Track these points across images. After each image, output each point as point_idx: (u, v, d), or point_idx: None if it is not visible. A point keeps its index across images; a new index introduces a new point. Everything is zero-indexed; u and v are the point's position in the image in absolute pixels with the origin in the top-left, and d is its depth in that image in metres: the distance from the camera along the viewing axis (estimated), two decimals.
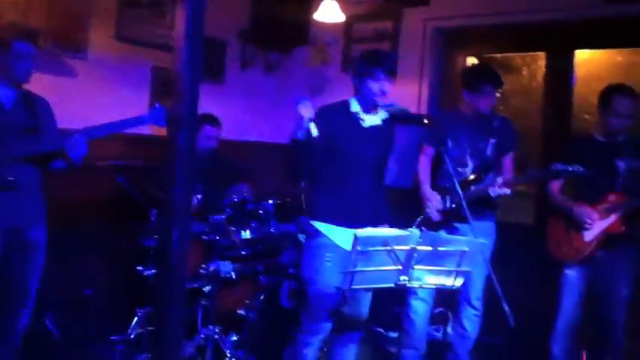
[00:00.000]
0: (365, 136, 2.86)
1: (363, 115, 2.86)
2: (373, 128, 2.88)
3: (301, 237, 2.90)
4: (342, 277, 2.30)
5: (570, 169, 2.91)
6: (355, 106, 2.86)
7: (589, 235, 3.08)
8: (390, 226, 2.82)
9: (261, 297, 3.32)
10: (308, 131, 2.60)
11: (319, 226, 2.77)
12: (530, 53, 5.11)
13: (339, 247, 2.76)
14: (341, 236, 2.75)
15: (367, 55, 2.87)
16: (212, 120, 3.82)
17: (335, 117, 2.82)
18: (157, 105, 2.79)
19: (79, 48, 3.95)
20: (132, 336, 3.28)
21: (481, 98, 3.26)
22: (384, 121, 2.91)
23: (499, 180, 3.12)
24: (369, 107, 2.86)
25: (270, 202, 3.62)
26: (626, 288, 3.09)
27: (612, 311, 3.12)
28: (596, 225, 3.05)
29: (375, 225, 2.77)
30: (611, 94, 3.07)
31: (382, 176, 3.03)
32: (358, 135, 2.85)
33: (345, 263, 2.74)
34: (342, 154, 2.79)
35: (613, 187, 3.07)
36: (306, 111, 2.61)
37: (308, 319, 2.82)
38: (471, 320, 3.40)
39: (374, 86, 2.79)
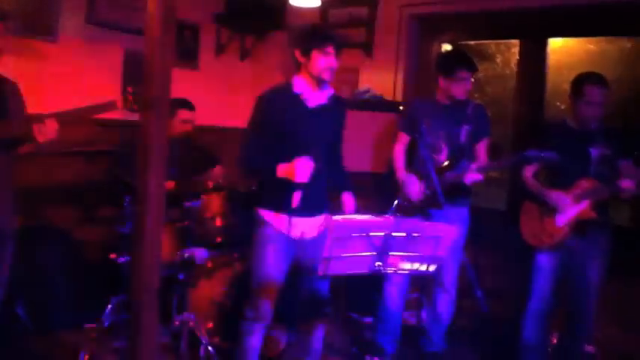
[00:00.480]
0: (311, 116, 2.75)
1: (307, 95, 2.75)
2: (319, 107, 2.78)
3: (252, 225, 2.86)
4: (320, 263, 2.28)
5: (543, 155, 2.94)
6: (301, 85, 2.76)
7: (561, 221, 3.12)
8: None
9: (237, 284, 3.30)
10: None
11: (265, 214, 2.77)
12: (505, 41, 5.16)
13: (284, 236, 2.76)
14: (286, 225, 2.72)
15: (315, 28, 2.82)
16: (186, 104, 3.78)
17: (278, 100, 2.73)
18: (128, 89, 2.73)
19: (50, 31, 3.87)
20: (106, 324, 3.24)
21: (456, 83, 3.27)
22: (330, 98, 2.81)
23: (473, 166, 3.15)
24: (315, 85, 2.75)
25: (246, 188, 3.60)
26: (597, 274, 3.14)
27: (583, 297, 3.17)
28: (569, 210, 3.10)
29: (312, 214, 2.79)
30: (583, 82, 3.10)
31: (335, 157, 2.97)
32: (303, 116, 2.74)
33: (290, 252, 2.79)
34: (289, 137, 2.71)
35: (585, 174, 3.11)
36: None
37: (250, 307, 2.81)
38: (445, 305, 3.44)
39: (322, 61, 2.68)
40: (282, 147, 2.70)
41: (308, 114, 2.75)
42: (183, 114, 3.73)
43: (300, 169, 2.58)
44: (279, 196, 2.71)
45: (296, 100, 2.73)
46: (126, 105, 2.71)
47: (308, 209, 2.74)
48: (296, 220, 2.72)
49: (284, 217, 2.73)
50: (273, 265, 2.77)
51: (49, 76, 3.88)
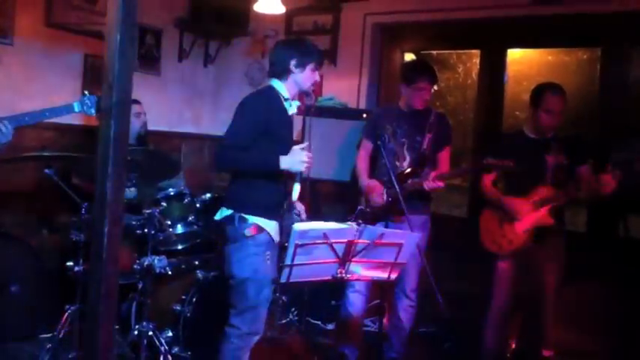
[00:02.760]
0: (290, 124, 2.83)
1: (288, 102, 2.79)
2: (291, 117, 2.84)
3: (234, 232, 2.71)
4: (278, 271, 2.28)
5: (502, 164, 3.00)
6: (284, 92, 2.78)
7: (520, 227, 3.19)
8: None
9: (197, 292, 3.26)
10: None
11: (258, 221, 2.68)
12: (466, 51, 5.26)
13: (274, 242, 2.75)
14: (275, 230, 2.74)
15: (313, 45, 2.83)
16: (133, 100, 3.79)
17: (271, 104, 2.73)
18: (86, 93, 2.68)
19: (5, 33, 3.78)
20: (61, 334, 3.15)
21: (416, 93, 3.32)
22: (298, 109, 2.86)
23: (433, 174, 3.19)
24: (295, 95, 2.81)
25: (208, 195, 3.57)
26: (554, 279, 3.22)
27: (540, 300, 3.25)
28: (527, 217, 3.17)
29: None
30: (542, 91, 3.19)
31: None
32: (287, 122, 2.80)
33: (278, 258, 2.73)
34: (277, 142, 2.72)
35: (542, 181, 3.19)
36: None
37: (248, 322, 2.68)
38: (406, 311, 3.47)
39: (312, 76, 2.77)
40: (271, 149, 2.68)
41: (288, 120, 2.80)
42: (133, 108, 3.72)
43: (302, 157, 2.62)
44: (271, 200, 2.72)
45: (281, 104, 2.75)
46: (83, 109, 2.65)
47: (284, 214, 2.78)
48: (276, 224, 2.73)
49: (274, 222, 2.72)
50: (272, 273, 2.71)
51: (4, 79, 3.78)
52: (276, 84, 2.77)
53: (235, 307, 2.71)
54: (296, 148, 2.66)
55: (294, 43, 2.85)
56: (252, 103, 2.71)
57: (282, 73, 2.76)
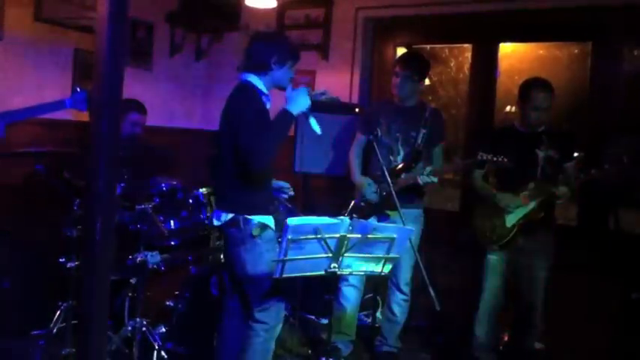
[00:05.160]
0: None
1: (267, 97, 2.75)
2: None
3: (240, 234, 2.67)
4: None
5: (495, 159, 3.01)
6: (262, 87, 2.72)
7: (510, 221, 3.21)
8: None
9: (191, 287, 3.26)
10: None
11: (261, 219, 2.67)
12: (458, 45, 5.26)
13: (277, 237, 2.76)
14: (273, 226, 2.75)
15: (292, 43, 2.82)
16: (138, 106, 3.72)
17: (257, 101, 2.69)
18: (77, 89, 2.66)
19: None
20: (54, 330, 3.15)
21: (392, 77, 3.36)
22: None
23: (427, 169, 3.20)
24: (270, 90, 2.76)
25: (201, 190, 3.56)
26: (544, 272, 3.25)
27: (531, 294, 3.27)
28: (517, 211, 3.19)
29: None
30: (530, 87, 3.20)
31: None
32: (267, 117, 2.73)
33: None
34: None
35: (532, 176, 3.21)
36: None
37: (274, 315, 2.71)
38: (399, 305, 3.49)
39: (289, 73, 2.75)
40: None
41: (269, 116, 2.76)
42: (134, 117, 3.68)
43: (303, 92, 2.67)
44: (266, 199, 2.75)
45: (262, 100, 2.71)
46: (75, 105, 2.64)
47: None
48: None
49: (271, 218, 2.73)
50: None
51: None
52: (254, 79, 2.71)
53: (258, 305, 2.70)
54: (289, 90, 2.70)
55: (276, 39, 2.78)
56: (250, 100, 2.65)
57: (261, 69, 2.70)
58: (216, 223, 2.76)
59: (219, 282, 3.26)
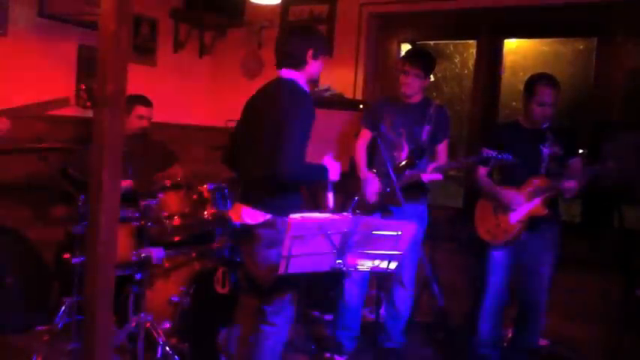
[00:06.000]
0: None
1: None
2: None
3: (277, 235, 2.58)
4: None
5: (500, 157, 3.00)
6: (304, 84, 2.71)
7: (514, 218, 3.20)
8: None
9: (195, 283, 3.26)
10: None
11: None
12: (462, 41, 5.24)
13: None
14: None
15: (324, 34, 2.83)
16: (143, 100, 3.75)
17: (309, 99, 2.64)
18: (81, 86, 2.67)
19: None
20: (59, 326, 3.16)
21: (401, 76, 3.37)
22: None
23: (431, 166, 3.20)
24: (308, 85, 2.75)
25: (206, 186, 3.56)
26: (548, 269, 3.24)
27: (535, 291, 3.27)
28: (521, 208, 3.18)
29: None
30: (535, 83, 3.19)
31: None
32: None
33: None
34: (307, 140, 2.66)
35: (537, 172, 3.20)
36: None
37: (288, 317, 2.74)
38: (403, 301, 3.48)
39: (321, 66, 2.76)
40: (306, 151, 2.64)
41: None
42: (140, 110, 3.70)
43: (338, 167, 2.69)
44: (300, 202, 2.72)
45: (311, 100, 2.67)
46: (79, 102, 2.64)
47: None
48: None
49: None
50: None
51: None
52: (293, 75, 2.68)
53: (272, 306, 2.69)
54: (328, 158, 2.69)
55: (311, 32, 2.77)
56: (305, 103, 2.58)
57: (299, 64, 2.67)
58: (247, 221, 2.65)
59: (236, 280, 3.27)
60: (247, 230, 2.67)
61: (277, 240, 2.54)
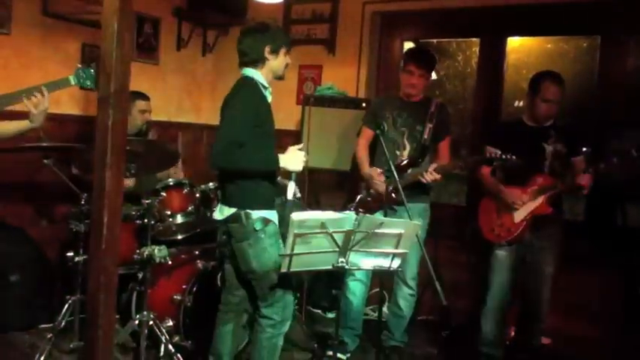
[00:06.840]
0: (271, 113, 2.77)
1: (268, 91, 2.76)
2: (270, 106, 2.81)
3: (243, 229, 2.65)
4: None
5: (503, 157, 2.99)
6: (262, 80, 2.73)
7: (518, 217, 3.20)
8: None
9: (198, 281, 3.27)
10: None
11: (263, 214, 2.66)
12: (466, 39, 5.23)
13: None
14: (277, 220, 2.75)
15: (282, 28, 2.83)
16: (141, 94, 3.88)
17: (258, 95, 2.69)
18: (79, 66, 2.68)
19: (2, 22, 3.75)
20: (62, 324, 3.17)
21: (404, 75, 3.35)
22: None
23: (432, 166, 3.19)
24: (270, 81, 2.77)
25: (209, 185, 3.56)
26: (551, 267, 3.23)
27: (538, 289, 3.26)
28: (525, 207, 3.17)
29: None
30: (540, 80, 3.18)
31: None
32: (270, 112, 2.75)
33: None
34: (266, 134, 2.69)
35: (540, 170, 3.19)
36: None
37: (280, 311, 2.71)
38: (406, 300, 3.48)
39: (285, 60, 2.77)
40: (263, 144, 2.66)
41: (270, 109, 2.76)
42: (141, 104, 3.84)
43: (300, 157, 2.65)
44: (269, 193, 2.71)
45: (262, 93, 2.71)
46: (79, 82, 2.67)
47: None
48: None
49: (274, 212, 2.73)
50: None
51: (0, 69, 3.76)
52: (253, 73, 2.72)
53: (264, 300, 2.71)
54: (293, 148, 2.67)
55: (265, 29, 2.75)
56: (245, 96, 2.64)
57: (257, 62, 2.71)
58: (217, 217, 2.75)
59: (222, 276, 3.27)
60: (224, 226, 2.76)
61: (243, 233, 2.64)
